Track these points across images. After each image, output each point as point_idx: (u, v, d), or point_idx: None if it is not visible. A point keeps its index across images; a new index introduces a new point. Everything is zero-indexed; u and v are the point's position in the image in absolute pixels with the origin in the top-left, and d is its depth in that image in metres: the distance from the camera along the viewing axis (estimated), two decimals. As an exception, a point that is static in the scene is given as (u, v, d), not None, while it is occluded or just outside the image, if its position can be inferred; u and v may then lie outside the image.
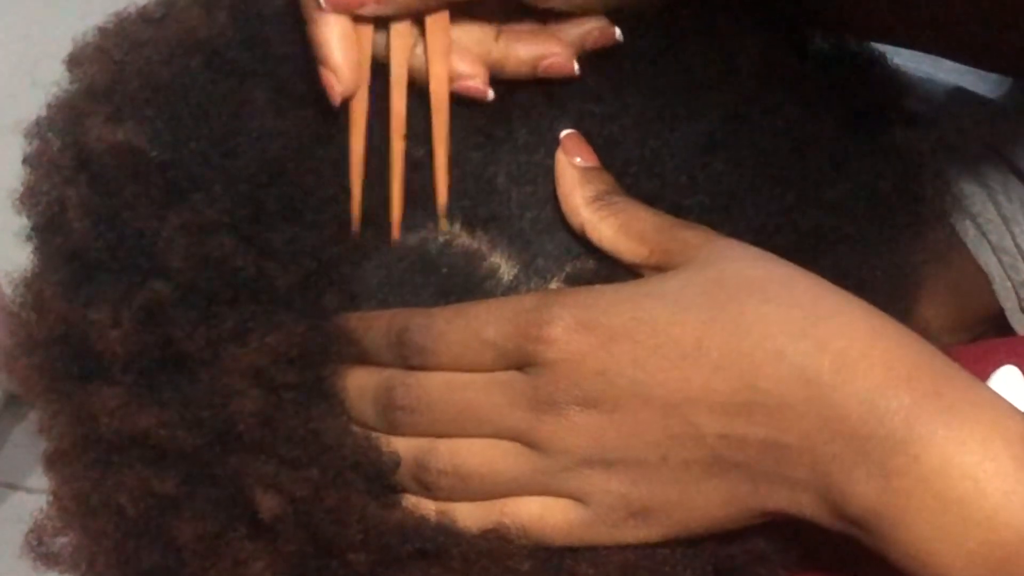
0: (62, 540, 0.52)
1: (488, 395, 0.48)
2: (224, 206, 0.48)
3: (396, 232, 0.51)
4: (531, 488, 0.48)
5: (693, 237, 0.49)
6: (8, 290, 0.52)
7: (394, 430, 0.49)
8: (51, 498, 0.52)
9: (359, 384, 0.50)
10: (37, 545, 0.52)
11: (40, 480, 0.53)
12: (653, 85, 0.53)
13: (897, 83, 0.60)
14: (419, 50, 0.50)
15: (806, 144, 0.54)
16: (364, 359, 0.50)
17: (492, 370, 0.48)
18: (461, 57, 0.50)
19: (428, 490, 0.49)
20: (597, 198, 0.50)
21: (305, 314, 0.49)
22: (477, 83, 0.51)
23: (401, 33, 0.50)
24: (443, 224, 0.51)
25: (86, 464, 0.50)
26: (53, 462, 0.52)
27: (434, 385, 0.49)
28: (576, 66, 0.51)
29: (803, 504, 0.47)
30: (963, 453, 0.44)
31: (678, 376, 0.46)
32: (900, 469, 0.44)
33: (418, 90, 0.51)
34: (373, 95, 0.50)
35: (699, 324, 0.46)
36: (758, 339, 0.46)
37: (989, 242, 0.73)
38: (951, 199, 0.61)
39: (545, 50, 0.51)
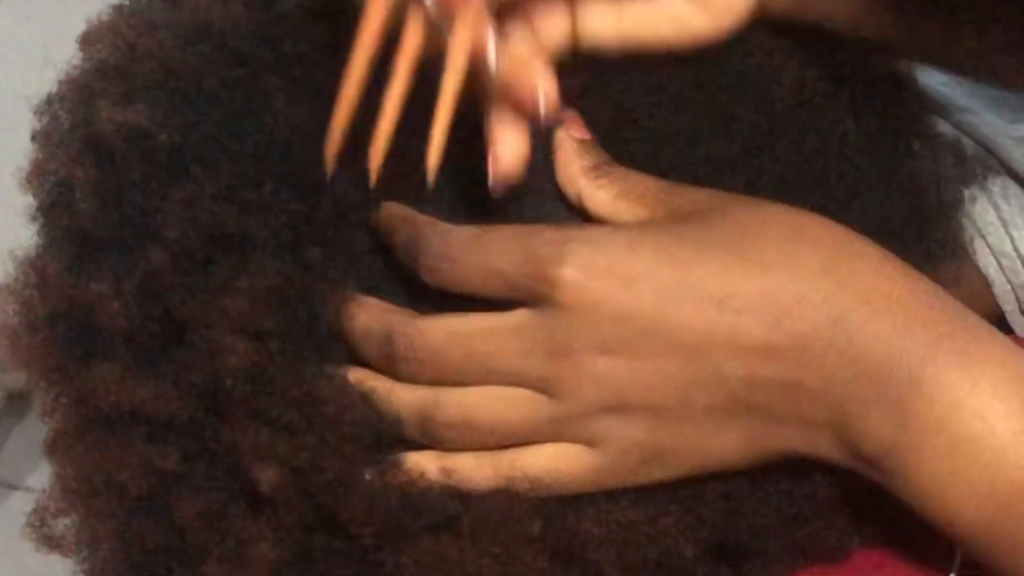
0: (65, 522, 0.52)
1: (497, 342, 0.47)
2: (225, 180, 0.48)
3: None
4: (543, 436, 0.48)
5: (702, 194, 0.49)
6: (12, 269, 0.52)
7: (398, 378, 0.48)
8: (53, 479, 0.52)
9: (363, 328, 0.49)
10: (40, 527, 0.52)
11: (40, 480, 0.53)
12: (681, 103, 0.53)
13: (923, 103, 0.60)
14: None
15: (826, 176, 0.54)
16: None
17: (499, 298, 0.47)
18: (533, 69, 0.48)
19: (435, 441, 0.48)
20: (594, 167, 0.50)
21: (289, 255, 0.48)
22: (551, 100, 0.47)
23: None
24: (431, 182, 0.48)
25: (88, 444, 0.50)
26: (56, 445, 0.52)
27: (438, 334, 0.47)
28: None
29: (819, 444, 0.47)
30: (975, 393, 0.45)
31: (703, 319, 0.46)
32: (914, 409, 0.45)
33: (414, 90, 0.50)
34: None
35: (722, 264, 0.46)
36: (782, 280, 0.46)
37: (988, 245, 0.73)
38: (966, 234, 0.61)
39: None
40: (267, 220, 0.48)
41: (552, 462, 0.48)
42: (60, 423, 0.51)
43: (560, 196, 0.51)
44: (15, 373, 0.53)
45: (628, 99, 0.53)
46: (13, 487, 1.19)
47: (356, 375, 0.49)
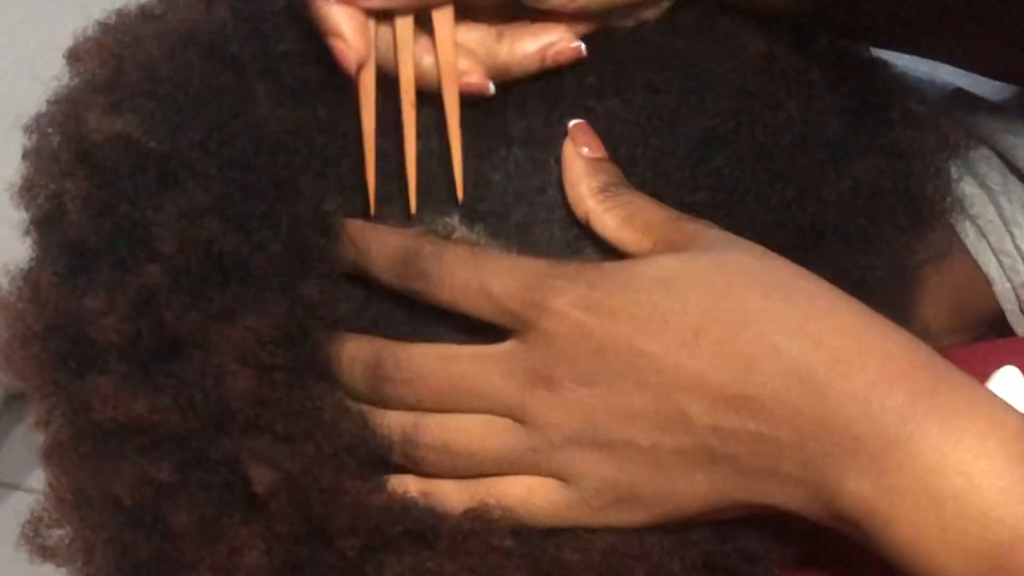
0: (59, 532, 0.52)
1: (481, 368, 0.48)
2: (217, 191, 0.49)
3: (413, 204, 0.50)
4: (519, 466, 0.48)
5: (696, 229, 0.49)
6: (6, 283, 0.52)
7: (383, 402, 0.49)
8: (48, 490, 0.52)
9: (350, 354, 0.50)
10: (34, 537, 0.52)
11: (40, 480, 0.53)
12: (655, 81, 0.53)
13: (899, 82, 0.60)
14: (419, 52, 0.50)
15: (807, 141, 0.54)
16: (364, 270, 0.50)
17: (483, 320, 0.48)
18: (460, 54, 0.50)
19: (416, 465, 0.49)
20: (603, 189, 0.50)
21: (289, 294, 0.49)
22: (475, 78, 0.50)
23: (406, 21, 0.50)
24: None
25: (82, 455, 0.50)
26: (50, 455, 0.52)
27: (425, 357, 0.48)
28: (583, 47, 0.51)
29: (793, 499, 0.47)
30: (957, 451, 0.44)
31: (674, 363, 0.46)
32: (894, 466, 0.45)
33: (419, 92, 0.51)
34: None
35: (699, 313, 0.47)
36: (755, 333, 0.46)
37: (989, 244, 0.73)
38: (951, 199, 0.61)
39: (548, 39, 0.50)
40: (263, 243, 0.49)
41: (526, 493, 0.49)
42: (54, 434, 0.52)
43: (570, 219, 0.51)
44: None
45: (600, 91, 0.52)
46: (13, 487, 1.19)
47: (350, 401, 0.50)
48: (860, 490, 0.45)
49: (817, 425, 0.45)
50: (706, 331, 0.46)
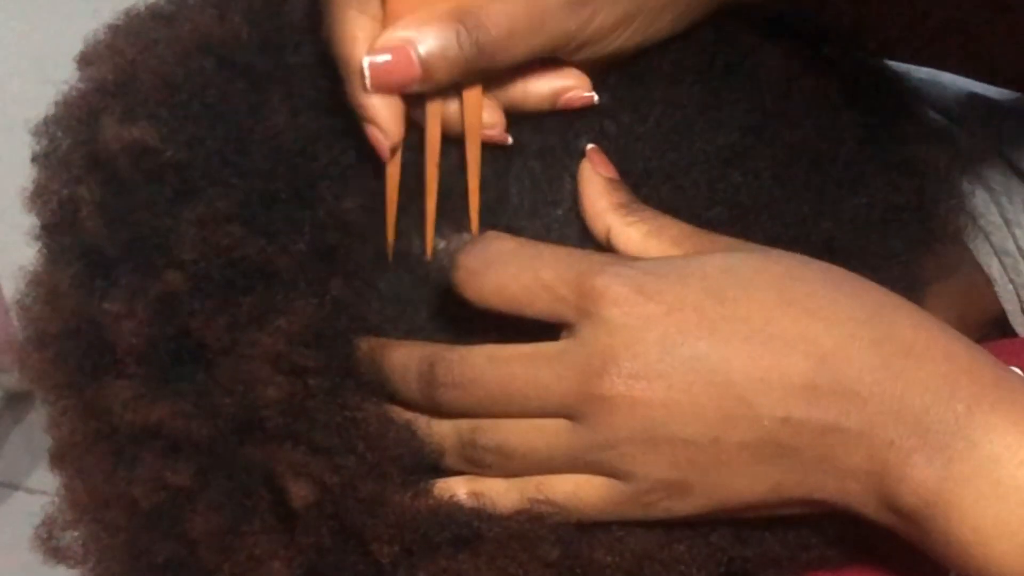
0: (72, 534, 0.52)
1: (534, 369, 0.47)
2: (237, 198, 0.48)
3: (430, 251, 0.50)
4: (573, 465, 0.48)
5: (728, 241, 0.49)
6: (13, 288, 0.52)
7: (438, 408, 0.48)
8: (62, 492, 0.52)
9: (401, 362, 0.49)
10: (47, 539, 0.52)
11: (40, 480, 0.53)
12: (672, 97, 0.53)
13: (914, 96, 0.60)
14: (445, 101, 0.50)
15: (823, 158, 0.54)
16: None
17: (537, 314, 0.47)
18: (484, 106, 0.50)
19: (476, 465, 0.48)
20: (624, 204, 0.50)
21: (317, 293, 0.49)
22: (497, 131, 0.50)
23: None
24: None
25: (99, 457, 0.50)
26: (63, 456, 0.52)
27: (478, 360, 0.47)
28: (596, 97, 0.51)
29: (851, 494, 0.47)
30: (1021, 442, 0.45)
31: (745, 355, 0.46)
32: (959, 455, 0.45)
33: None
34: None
35: (769, 303, 0.46)
36: (828, 324, 0.46)
37: (991, 244, 0.73)
38: (965, 217, 0.62)
39: (563, 84, 0.50)
40: (286, 245, 0.48)
41: (575, 491, 0.48)
42: (68, 435, 0.51)
43: (585, 235, 0.51)
44: (15, 373, 0.53)
45: (616, 106, 0.52)
46: (13, 487, 1.19)
47: (396, 409, 0.49)
48: (924, 478, 0.45)
49: (887, 414, 0.45)
50: (777, 321, 0.46)
